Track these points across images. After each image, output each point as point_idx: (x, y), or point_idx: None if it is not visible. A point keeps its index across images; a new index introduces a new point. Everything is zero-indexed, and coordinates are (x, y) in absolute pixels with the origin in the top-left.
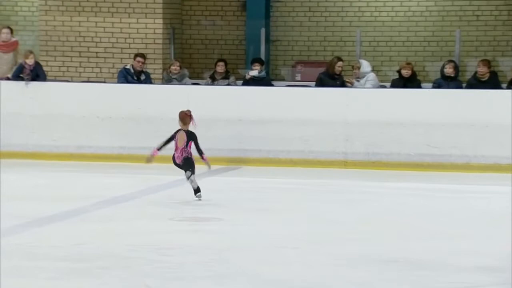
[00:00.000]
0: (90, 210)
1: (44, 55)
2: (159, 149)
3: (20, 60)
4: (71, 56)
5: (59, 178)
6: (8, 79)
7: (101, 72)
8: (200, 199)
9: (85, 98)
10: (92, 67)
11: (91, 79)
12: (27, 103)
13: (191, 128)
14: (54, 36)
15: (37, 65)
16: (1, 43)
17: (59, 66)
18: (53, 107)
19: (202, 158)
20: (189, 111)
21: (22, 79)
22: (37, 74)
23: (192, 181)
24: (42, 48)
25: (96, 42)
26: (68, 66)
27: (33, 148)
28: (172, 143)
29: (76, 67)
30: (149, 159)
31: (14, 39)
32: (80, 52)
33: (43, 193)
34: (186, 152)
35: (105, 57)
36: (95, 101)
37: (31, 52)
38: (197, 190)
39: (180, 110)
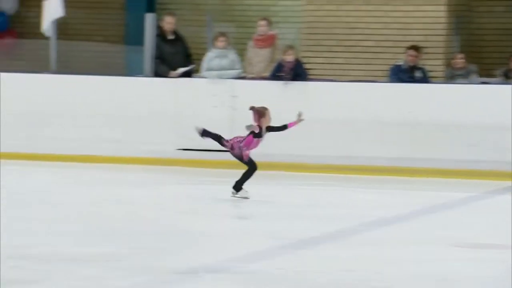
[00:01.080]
0: (357, 231)
1: (306, 51)
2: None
3: (278, 57)
4: (337, 51)
5: (316, 193)
6: (264, 78)
7: (371, 69)
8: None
9: (352, 99)
10: (361, 64)
11: (359, 78)
12: (285, 106)
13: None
14: (318, 29)
15: (298, 62)
16: (258, 37)
17: (323, 63)
18: (313, 110)
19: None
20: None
21: (280, 78)
22: (297, 73)
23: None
24: (304, 42)
25: (367, 35)
26: (333, 63)
27: (289, 158)
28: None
29: (342, 63)
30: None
31: (272, 32)
32: (347, 46)
33: (299, 210)
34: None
35: (376, 52)
36: (363, 103)
37: (291, 47)
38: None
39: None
